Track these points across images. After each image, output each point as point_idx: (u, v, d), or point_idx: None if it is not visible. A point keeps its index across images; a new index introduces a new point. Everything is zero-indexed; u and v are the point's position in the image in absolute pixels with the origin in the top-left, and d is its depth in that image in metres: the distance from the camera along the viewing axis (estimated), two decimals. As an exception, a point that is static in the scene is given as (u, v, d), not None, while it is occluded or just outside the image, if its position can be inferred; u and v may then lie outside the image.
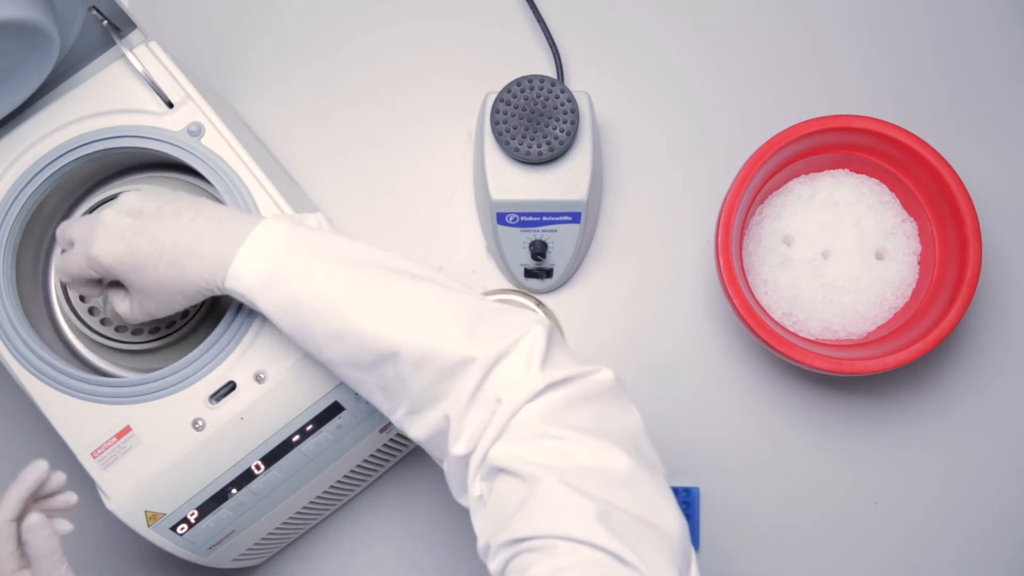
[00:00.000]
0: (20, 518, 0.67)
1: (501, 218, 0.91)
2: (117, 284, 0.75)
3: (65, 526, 0.69)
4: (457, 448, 0.63)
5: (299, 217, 0.73)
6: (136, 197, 0.72)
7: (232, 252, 0.69)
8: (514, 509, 0.58)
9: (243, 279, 0.68)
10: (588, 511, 0.56)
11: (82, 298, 0.82)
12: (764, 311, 0.91)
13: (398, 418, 0.68)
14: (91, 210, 0.83)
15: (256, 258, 0.68)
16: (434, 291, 0.67)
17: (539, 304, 0.96)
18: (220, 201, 0.82)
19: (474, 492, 0.62)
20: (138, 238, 0.70)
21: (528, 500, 0.58)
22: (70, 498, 0.70)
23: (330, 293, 0.66)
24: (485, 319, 0.65)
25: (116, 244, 0.70)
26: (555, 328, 0.65)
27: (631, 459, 0.59)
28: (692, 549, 0.59)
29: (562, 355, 0.64)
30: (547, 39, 0.99)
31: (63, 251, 0.75)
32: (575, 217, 0.91)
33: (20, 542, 0.67)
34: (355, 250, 0.69)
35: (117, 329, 0.82)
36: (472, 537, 0.95)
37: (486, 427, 0.61)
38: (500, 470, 0.60)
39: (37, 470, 0.68)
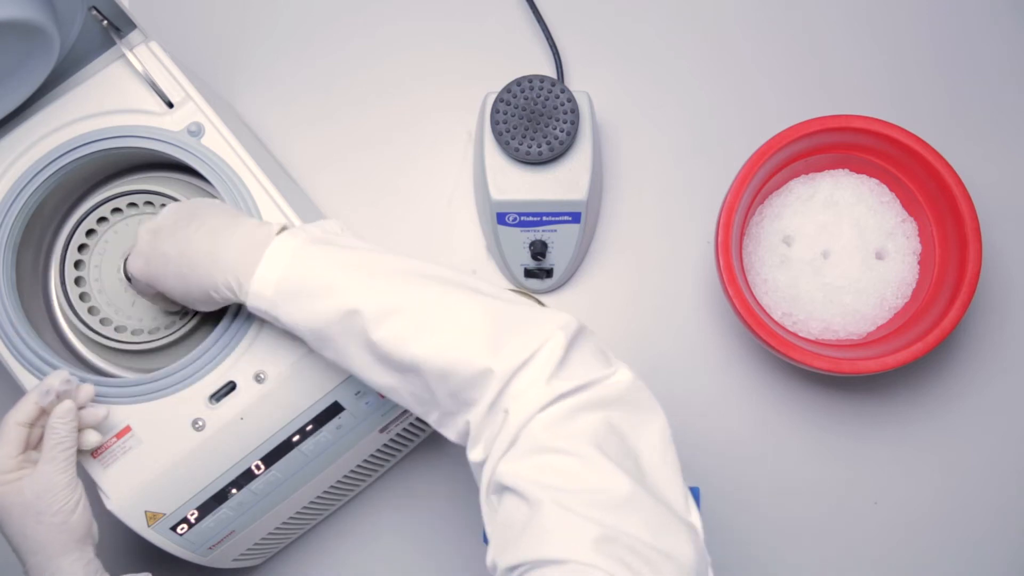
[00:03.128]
0: (33, 424, 0.71)
1: (501, 218, 0.91)
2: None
3: (93, 436, 0.74)
4: (473, 455, 0.63)
5: (317, 226, 0.73)
6: (165, 213, 0.75)
7: (249, 265, 0.69)
8: (518, 531, 0.58)
9: (264, 296, 0.69)
10: (589, 535, 0.55)
11: (82, 297, 0.82)
12: (764, 311, 0.91)
13: (433, 421, 0.68)
14: (91, 210, 0.83)
15: (275, 272, 0.68)
16: (461, 298, 0.66)
17: (539, 304, 0.96)
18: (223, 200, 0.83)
19: (487, 503, 0.63)
20: (152, 254, 0.73)
21: (530, 523, 0.57)
22: (99, 411, 0.75)
23: (353, 307, 0.66)
24: (507, 327, 0.64)
25: (138, 260, 0.74)
26: (583, 328, 0.64)
27: (631, 479, 0.58)
28: (708, 561, 0.58)
29: (584, 358, 0.63)
30: (547, 39, 0.99)
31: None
32: (575, 217, 0.91)
33: (26, 447, 0.71)
34: (377, 259, 0.68)
35: (116, 329, 0.82)
36: (471, 535, 0.96)
37: (495, 438, 0.61)
38: (506, 488, 0.60)
39: (58, 378, 0.72)
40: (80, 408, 0.73)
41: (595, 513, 0.56)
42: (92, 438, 0.74)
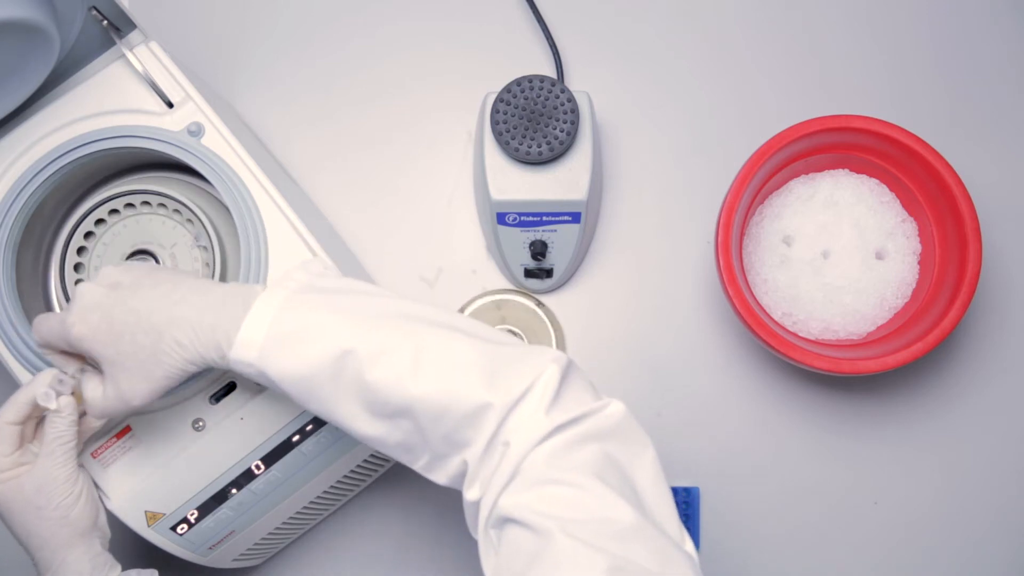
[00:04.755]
0: (24, 422, 0.70)
1: (501, 218, 0.91)
2: (92, 369, 0.71)
3: (93, 422, 0.72)
4: (471, 493, 0.62)
5: (300, 268, 0.70)
6: (114, 270, 0.70)
7: (235, 319, 0.65)
8: (526, 562, 0.58)
9: (253, 345, 0.65)
10: (601, 566, 0.55)
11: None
12: (764, 311, 0.91)
13: (420, 467, 0.67)
14: (91, 210, 0.83)
15: (264, 321, 0.65)
16: (451, 338, 0.65)
17: (539, 304, 0.96)
18: (222, 202, 0.82)
19: (485, 538, 0.62)
20: (115, 308, 0.67)
21: (540, 555, 0.57)
22: (95, 423, 0.73)
23: (347, 348, 0.64)
24: (502, 364, 0.63)
25: (91, 314, 0.67)
26: (572, 363, 0.64)
27: (634, 509, 0.58)
28: None
29: (576, 392, 0.63)
30: (547, 39, 0.99)
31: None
32: (575, 217, 0.91)
33: (22, 442, 0.70)
34: (367, 302, 0.67)
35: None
36: (471, 536, 0.95)
37: (495, 472, 0.61)
38: (509, 520, 0.59)
39: (47, 376, 0.70)
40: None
41: (604, 543, 0.56)
42: (94, 422, 0.73)
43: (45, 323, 0.70)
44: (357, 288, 0.69)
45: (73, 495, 0.70)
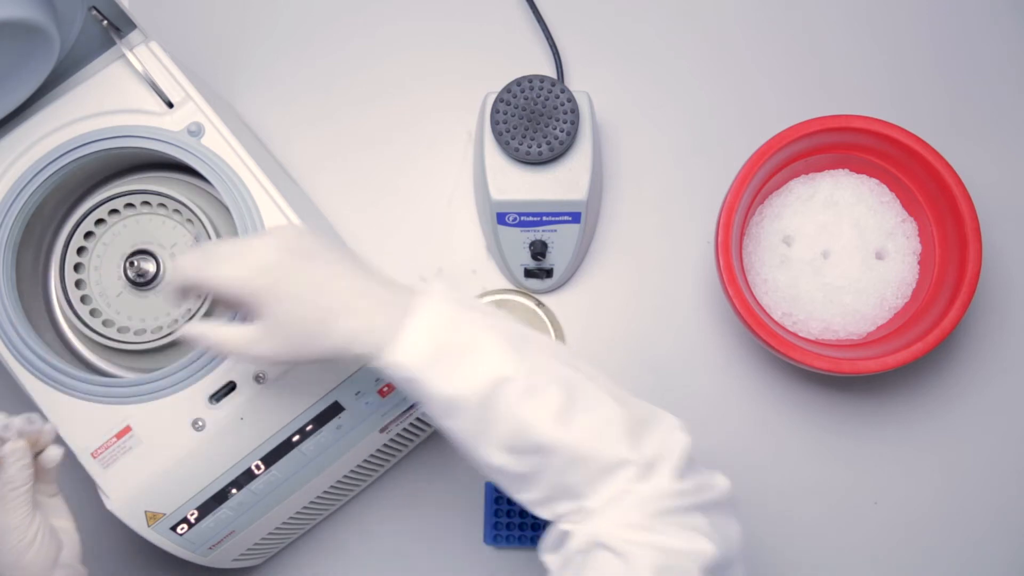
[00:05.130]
0: None
1: (501, 218, 0.91)
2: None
3: (53, 451, 0.70)
4: (567, 526, 0.64)
5: (437, 280, 0.71)
6: (292, 234, 0.67)
7: (392, 327, 0.64)
8: None
9: (413, 356, 0.63)
10: None
11: (83, 300, 0.82)
12: (764, 311, 0.91)
13: (526, 499, 0.66)
14: (91, 210, 0.83)
15: (423, 335, 0.64)
16: (596, 387, 0.66)
17: (539, 304, 0.96)
18: (222, 202, 0.83)
19: (564, 559, 0.64)
20: (295, 274, 0.65)
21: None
22: (55, 453, 0.71)
23: (505, 376, 0.63)
24: (639, 423, 0.65)
25: (267, 273, 0.65)
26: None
27: (717, 547, 0.62)
28: None
29: (694, 462, 0.67)
30: (547, 39, 0.99)
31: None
32: (575, 217, 0.91)
33: None
34: (518, 331, 0.67)
35: (119, 330, 0.82)
36: (471, 535, 0.95)
37: (608, 508, 0.63)
38: (600, 544, 0.61)
39: (14, 426, 0.68)
40: (38, 453, 0.70)
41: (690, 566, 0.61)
42: (53, 453, 0.70)
43: (195, 265, 0.66)
44: (501, 314, 0.68)
45: (25, 541, 0.67)
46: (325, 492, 0.85)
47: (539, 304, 0.96)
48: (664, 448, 0.64)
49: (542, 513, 0.66)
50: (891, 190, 0.93)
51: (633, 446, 0.63)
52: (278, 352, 0.66)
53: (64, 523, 0.72)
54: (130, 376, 0.81)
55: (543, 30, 0.99)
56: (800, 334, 0.91)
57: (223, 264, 0.65)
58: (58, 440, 0.72)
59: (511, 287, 0.97)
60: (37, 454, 0.70)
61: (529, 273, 0.95)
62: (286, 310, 0.64)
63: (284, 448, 0.78)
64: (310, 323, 0.64)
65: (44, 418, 0.71)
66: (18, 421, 0.68)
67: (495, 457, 0.64)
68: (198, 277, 0.66)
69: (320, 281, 0.65)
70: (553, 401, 0.63)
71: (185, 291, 0.69)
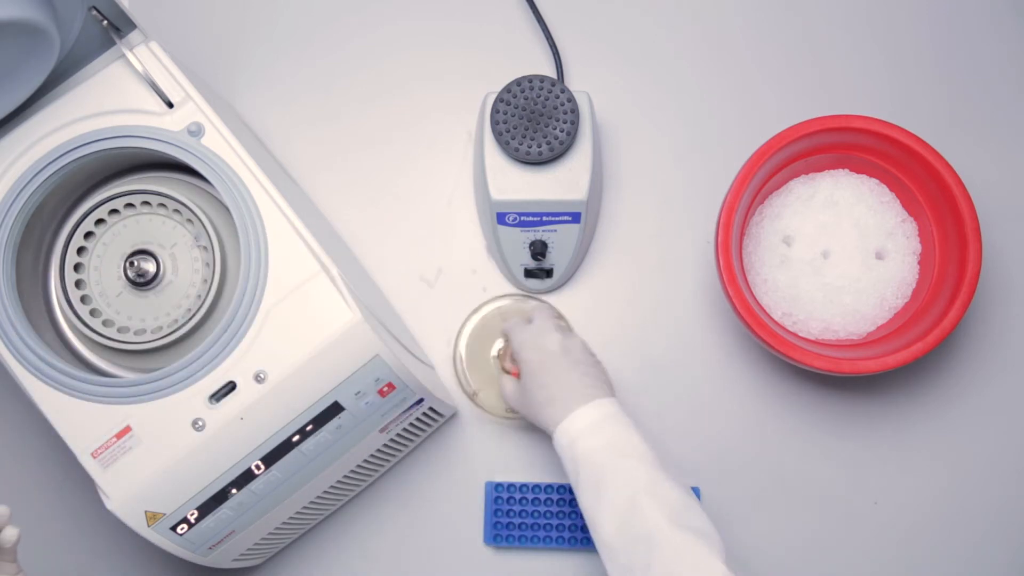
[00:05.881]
0: None
1: (501, 218, 0.91)
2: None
3: (9, 533, 0.70)
4: None
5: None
6: (560, 333, 0.86)
7: (573, 408, 0.80)
8: None
9: (576, 425, 0.79)
10: None
11: (83, 299, 0.82)
12: (764, 311, 0.91)
13: None
14: (91, 210, 0.83)
15: (589, 415, 0.80)
16: (683, 494, 0.77)
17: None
18: (222, 202, 0.83)
19: None
20: (547, 362, 0.83)
21: None
22: (10, 534, 0.70)
23: (634, 462, 0.77)
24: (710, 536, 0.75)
25: (534, 352, 0.84)
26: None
27: None
28: None
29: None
30: (547, 39, 0.99)
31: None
32: (575, 217, 0.91)
33: None
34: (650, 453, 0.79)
35: (119, 330, 0.82)
36: (471, 535, 0.95)
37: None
38: None
39: None
40: None
41: None
42: (8, 534, 0.70)
43: (508, 328, 0.89)
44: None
45: None
46: (325, 492, 0.85)
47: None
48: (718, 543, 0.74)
49: None
50: (891, 190, 0.93)
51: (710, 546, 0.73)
52: (517, 407, 0.87)
53: None
54: (130, 376, 0.81)
55: (543, 30, 0.99)
56: (800, 334, 0.91)
57: (521, 332, 0.87)
58: (12, 522, 0.71)
59: (514, 291, 0.97)
60: None
61: (529, 273, 0.95)
62: (532, 383, 0.84)
63: (284, 448, 0.78)
64: (540, 398, 0.83)
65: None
66: None
67: (609, 524, 0.75)
68: (505, 331, 0.89)
69: (559, 372, 0.83)
70: (674, 503, 0.75)
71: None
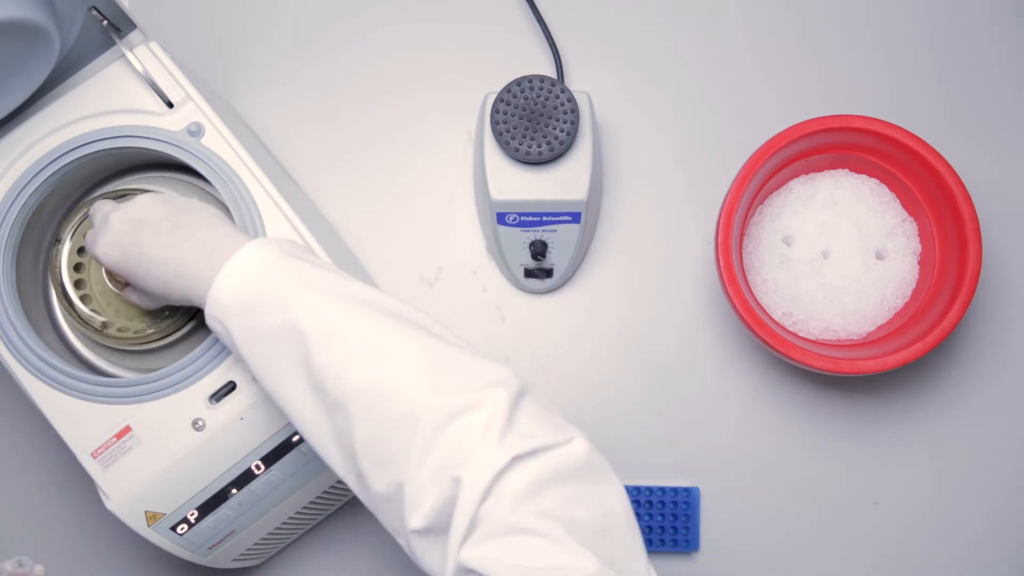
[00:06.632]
0: None
1: (501, 218, 0.91)
2: None
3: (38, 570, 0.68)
4: (414, 521, 0.58)
5: (286, 242, 0.70)
6: (145, 203, 0.73)
7: (212, 272, 0.67)
8: None
9: (220, 304, 0.67)
10: None
11: (83, 299, 0.82)
12: (764, 311, 0.91)
13: (352, 482, 0.63)
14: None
15: (233, 282, 0.66)
16: (412, 335, 0.62)
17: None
18: (221, 202, 0.82)
19: None
20: (132, 248, 0.72)
21: None
22: None
23: (300, 324, 0.63)
24: (452, 370, 0.60)
25: (113, 250, 0.72)
26: (527, 386, 0.60)
27: (598, 560, 0.54)
28: None
29: (531, 419, 0.59)
30: (547, 39, 0.99)
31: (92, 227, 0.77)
32: (575, 217, 0.91)
33: None
34: (339, 283, 0.66)
35: (119, 330, 0.82)
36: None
37: (451, 511, 0.56)
38: (472, 572, 0.55)
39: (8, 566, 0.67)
40: None
41: None
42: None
43: (90, 249, 0.75)
44: (333, 272, 0.68)
45: None
46: (325, 492, 0.86)
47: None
48: (476, 400, 0.58)
49: (368, 501, 0.62)
50: (891, 190, 0.93)
51: (431, 393, 0.58)
52: (146, 304, 0.77)
53: None
54: (130, 376, 0.81)
55: (543, 30, 0.99)
56: (800, 334, 0.92)
57: (92, 246, 0.74)
58: None
59: (515, 288, 0.97)
60: None
61: (529, 273, 0.95)
62: (138, 275, 0.72)
63: (284, 448, 0.78)
64: (159, 281, 0.71)
65: (32, 562, 0.69)
66: (8, 566, 0.67)
67: (312, 413, 0.63)
68: (92, 254, 0.75)
69: (164, 243, 0.70)
70: (349, 347, 0.62)
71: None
